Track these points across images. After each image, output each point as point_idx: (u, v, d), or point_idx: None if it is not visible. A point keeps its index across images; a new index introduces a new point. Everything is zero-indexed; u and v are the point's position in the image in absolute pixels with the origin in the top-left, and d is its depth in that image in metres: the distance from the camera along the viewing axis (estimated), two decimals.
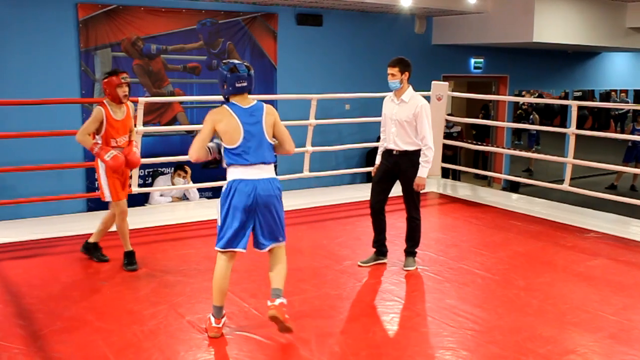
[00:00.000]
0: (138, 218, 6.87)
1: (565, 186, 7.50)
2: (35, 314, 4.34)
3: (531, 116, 15.26)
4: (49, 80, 8.36)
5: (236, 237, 3.94)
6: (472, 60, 12.51)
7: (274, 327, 4.01)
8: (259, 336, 4.03)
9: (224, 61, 4.11)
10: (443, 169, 9.07)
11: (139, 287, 4.90)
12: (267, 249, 4.06)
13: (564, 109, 15.93)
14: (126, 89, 5.20)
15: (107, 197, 5.27)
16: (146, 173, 9.12)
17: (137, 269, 5.29)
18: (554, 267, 5.55)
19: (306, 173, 7.89)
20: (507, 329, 4.24)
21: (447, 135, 11.12)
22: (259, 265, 5.43)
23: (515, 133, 15.02)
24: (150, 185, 8.74)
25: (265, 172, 3.99)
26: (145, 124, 7.28)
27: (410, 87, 5.31)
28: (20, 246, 5.88)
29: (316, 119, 7.93)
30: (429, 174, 8.63)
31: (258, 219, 3.97)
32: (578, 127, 7.64)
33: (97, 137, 5.19)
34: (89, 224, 6.56)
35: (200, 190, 8.52)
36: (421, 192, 5.37)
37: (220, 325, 4.05)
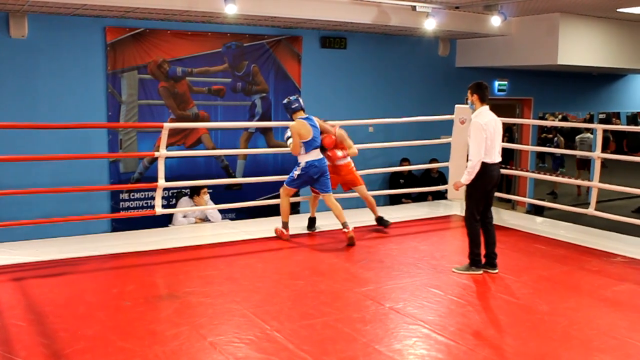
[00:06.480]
0: (161, 238, 6.93)
1: (591, 210, 7.39)
2: (58, 333, 4.37)
3: (556, 139, 15.14)
4: (77, 102, 8.50)
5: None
6: (496, 83, 12.46)
7: (295, 350, 4.00)
8: (280, 359, 4.02)
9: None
10: None
11: (162, 308, 4.92)
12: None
13: (590, 131, 15.76)
14: None
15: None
16: (170, 194, 9.19)
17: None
18: (580, 292, 5.47)
19: None
20: (531, 354, 4.18)
21: None
22: (281, 289, 5.44)
23: (539, 156, 14.90)
24: (174, 206, 8.80)
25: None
26: (170, 145, 7.37)
27: (483, 108, 5.79)
28: (45, 265, 5.94)
29: None
30: (452, 197, 8.65)
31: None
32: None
33: None
34: (113, 244, 6.65)
35: (223, 211, 8.56)
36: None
37: None
